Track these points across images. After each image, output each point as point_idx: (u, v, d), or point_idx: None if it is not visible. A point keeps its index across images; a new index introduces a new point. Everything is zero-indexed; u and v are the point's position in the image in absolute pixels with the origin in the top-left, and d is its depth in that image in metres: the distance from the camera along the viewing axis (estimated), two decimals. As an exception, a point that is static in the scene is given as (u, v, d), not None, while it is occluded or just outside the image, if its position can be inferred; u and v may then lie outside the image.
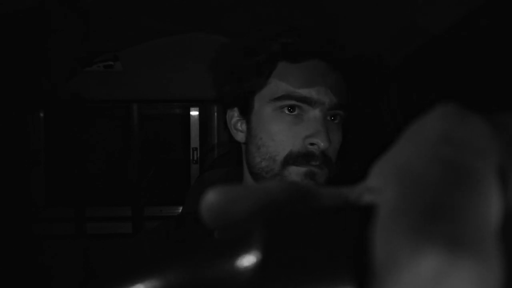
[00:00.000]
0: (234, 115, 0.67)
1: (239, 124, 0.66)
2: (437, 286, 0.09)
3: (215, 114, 1.87)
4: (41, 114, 1.64)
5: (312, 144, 0.58)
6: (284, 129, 0.59)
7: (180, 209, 1.09)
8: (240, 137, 0.66)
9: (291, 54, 0.60)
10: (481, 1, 0.61)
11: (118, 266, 0.12)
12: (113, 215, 1.67)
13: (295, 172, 0.59)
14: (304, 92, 0.58)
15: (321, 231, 0.11)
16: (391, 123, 0.96)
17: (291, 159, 0.58)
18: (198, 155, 1.85)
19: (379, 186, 0.12)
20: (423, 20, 0.72)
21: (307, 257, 0.11)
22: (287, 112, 0.59)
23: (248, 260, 0.11)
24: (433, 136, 0.11)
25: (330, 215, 0.12)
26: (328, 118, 0.61)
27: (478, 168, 0.10)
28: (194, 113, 1.85)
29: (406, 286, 0.09)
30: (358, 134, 1.03)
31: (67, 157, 1.77)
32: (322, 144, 0.57)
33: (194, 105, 1.84)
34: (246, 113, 0.64)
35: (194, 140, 1.86)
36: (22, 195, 1.30)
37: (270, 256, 0.11)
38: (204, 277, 0.11)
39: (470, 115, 0.12)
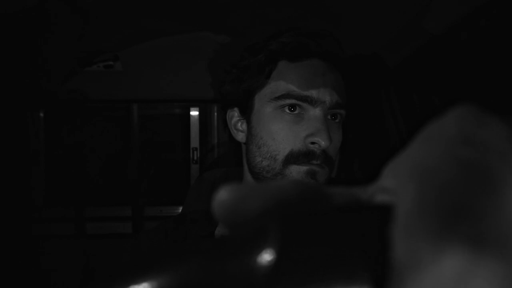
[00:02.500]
0: (234, 115, 0.67)
1: (239, 124, 0.66)
2: (460, 287, 0.09)
3: (215, 114, 1.87)
4: (41, 114, 1.64)
5: (313, 143, 0.58)
6: (284, 128, 0.59)
7: (180, 209, 1.09)
8: (240, 137, 0.66)
9: (290, 53, 0.61)
10: (481, 2, 0.61)
11: (117, 267, 0.12)
12: (113, 215, 1.67)
13: (296, 171, 0.58)
14: (304, 91, 0.58)
15: (335, 230, 0.11)
16: (392, 123, 0.96)
17: (292, 158, 0.58)
18: (198, 155, 1.84)
19: (395, 186, 0.12)
20: (423, 20, 0.72)
21: (322, 255, 0.11)
22: (287, 111, 0.59)
23: (264, 258, 0.11)
24: (452, 137, 0.11)
25: (348, 213, 0.12)
26: (329, 117, 0.61)
27: (498, 169, 0.10)
28: (194, 113, 1.85)
29: (428, 286, 0.09)
30: (359, 134, 1.03)
31: (67, 157, 1.77)
32: (323, 142, 0.57)
33: (194, 105, 1.84)
34: (246, 112, 0.64)
35: (194, 140, 1.86)
36: (21, 195, 1.29)
37: (287, 254, 0.11)
38: (216, 275, 0.11)
39: (488, 116, 0.12)
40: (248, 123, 0.64)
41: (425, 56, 0.83)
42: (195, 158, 1.84)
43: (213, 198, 0.13)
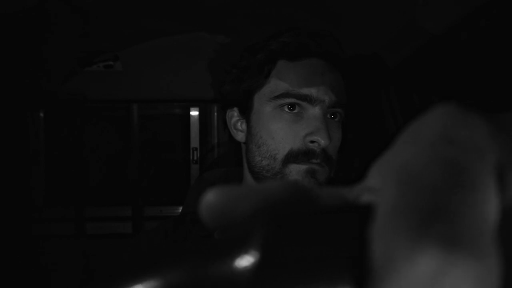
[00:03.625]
0: (234, 115, 0.67)
1: (239, 124, 0.66)
2: (435, 285, 0.09)
3: (215, 114, 1.87)
4: (41, 114, 1.64)
5: (312, 141, 0.58)
6: (284, 127, 0.59)
7: (180, 209, 1.09)
8: (240, 136, 0.66)
9: (290, 52, 0.61)
10: (481, 2, 0.61)
11: (117, 267, 0.12)
12: (113, 215, 1.67)
13: (296, 170, 0.58)
14: (304, 90, 0.58)
15: (320, 231, 0.11)
16: (392, 123, 0.96)
17: (292, 157, 0.58)
18: (198, 155, 1.85)
19: (378, 186, 0.12)
20: (423, 20, 0.72)
21: (307, 257, 0.11)
22: (287, 110, 0.59)
23: (247, 260, 0.11)
24: (432, 136, 0.11)
25: (330, 215, 0.12)
26: (328, 116, 0.61)
27: (476, 168, 0.10)
28: (194, 113, 1.85)
29: (404, 286, 0.09)
30: (359, 134, 1.03)
31: (67, 157, 1.77)
32: (322, 141, 0.57)
33: (194, 105, 1.84)
34: (245, 112, 0.64)
35: (194, 140, 1.86)
36: (21, 195, 1.30)
37: (269, 256, 0.11)
38: (202, 277, 0.11)
39: (469, 114, 0.12)
40: (248, 122, 0.64)
41: (425, 56, 0.83)
42: (195, 158, 1.84)
43: (200, 201, 0.13)
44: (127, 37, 1.03)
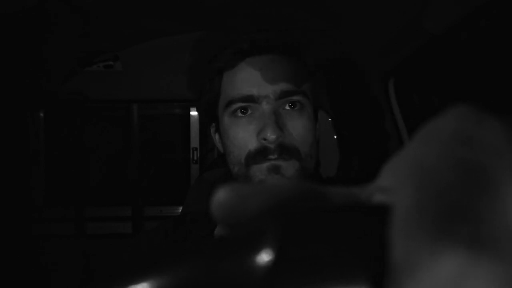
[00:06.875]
0: (213, 130, 0.70)
1: (217, 137, 0.69)
2: (458, 287, 0.09)
3: (215, 114, 1.87)
4: (41, 114, 1.64)
5: (264, 139, 0.59)
6: (240, 131, 0.61)
7: (180, 209, 1.09)
8: (221, 149, 0.68)
9: (228, 62, 0.64)
10: (481, 2, 0.61)
11: (117, 267, 0.12)
12: (113, 215, 1.67)
13: (258, 170, 0.59)
14: (245, 91, 0.60)
15: (333, 230, 0.11)
16: (392, 123, 0.96)
17: (250, 158, 0.60)
18: (198, 155, 1.85)
19: (392, 186, 0.12)
20: (423, 20, 0.72)
21: (320, 256, 0.11)
22: (240, 114, 0.61)
23: (262, 258, 0.11)
24: (449, 136, 0.11)
25: (346, 213, 0.12)
26: (287, 107, 0.61)
27: (495, 168, 0.10)
28: (194, 113, 1.85)
29: (426, 287, 0.09)
30: (358, 133, 1.03)
31: (67, 157, 1.77)
32: (270, 136, 0.57)
33: (194, 105, 1.84)
34: (218, 126, 0.67)
35: (194, 140, 1.86)
36: (21, 195, 1.30)
37: (284, 254, 0.11)
38: (212, 276, 0.11)
39: (485, 116, 0.12)
40: (219, 134, 0.67)
41: (425, 56, 0.83)
42: (195, 158, 1.84)
43: (211, 198, 0.13)
44: (127, 37, 1.03)
